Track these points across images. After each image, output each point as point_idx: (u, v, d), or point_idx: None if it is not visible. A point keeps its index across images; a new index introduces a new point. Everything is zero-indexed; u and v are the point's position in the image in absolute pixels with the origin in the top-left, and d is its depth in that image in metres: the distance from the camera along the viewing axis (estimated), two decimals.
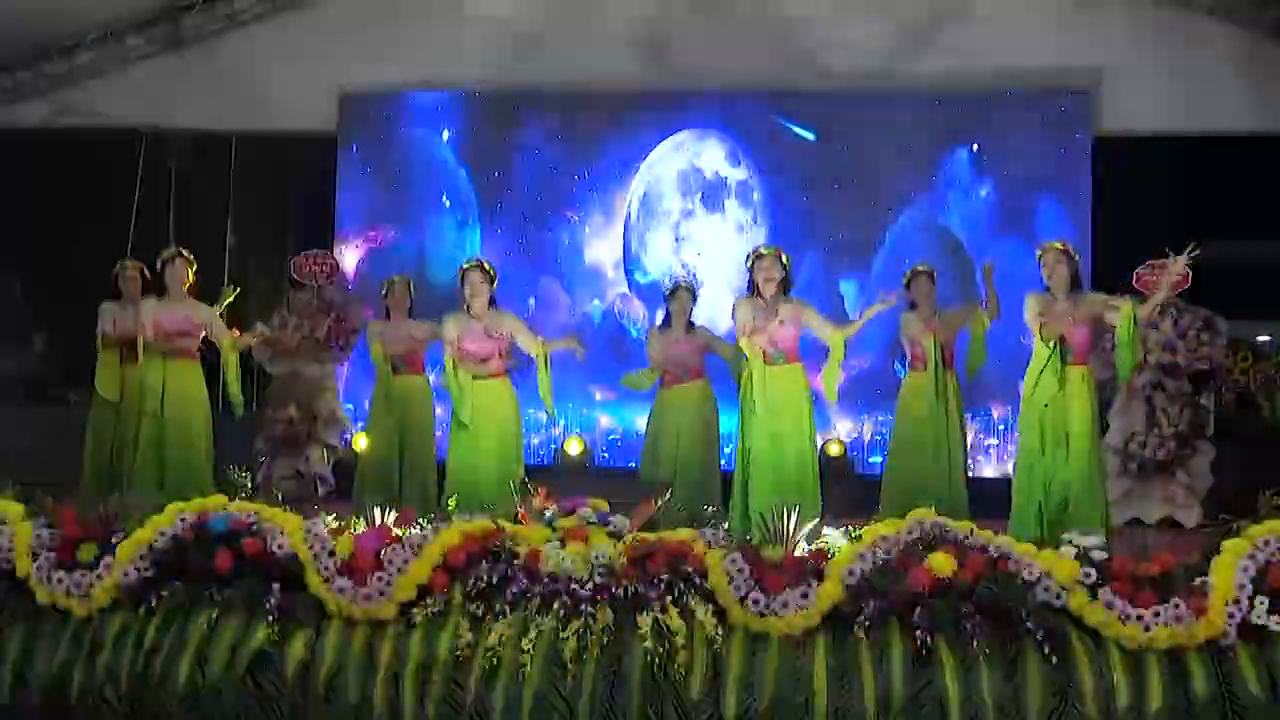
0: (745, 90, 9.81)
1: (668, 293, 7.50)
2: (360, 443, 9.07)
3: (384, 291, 7.72)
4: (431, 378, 7.79)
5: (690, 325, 7.34)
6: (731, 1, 9.74)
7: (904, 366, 7.61)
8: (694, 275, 9.89)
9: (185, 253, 7.29)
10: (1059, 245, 6.41)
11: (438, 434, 7.53)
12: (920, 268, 7.40)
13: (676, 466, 7.09)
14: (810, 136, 9.83)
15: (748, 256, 6.72)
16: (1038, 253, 6.49)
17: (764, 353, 6.41)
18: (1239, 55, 9.31)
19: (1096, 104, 9.44)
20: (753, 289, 6.59)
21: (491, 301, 6.74)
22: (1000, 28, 9.49)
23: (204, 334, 7.20)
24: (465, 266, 6.78)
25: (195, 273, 7.32)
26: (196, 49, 10.17)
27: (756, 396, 6.39)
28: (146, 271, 7.72)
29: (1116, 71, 9.41)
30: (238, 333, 7.31)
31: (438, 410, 7.60)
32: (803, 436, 6.49)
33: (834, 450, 8.92)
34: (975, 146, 9.71)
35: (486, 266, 6.76)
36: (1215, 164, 9.03)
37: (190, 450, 7.04)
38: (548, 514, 4.47)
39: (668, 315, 7.39)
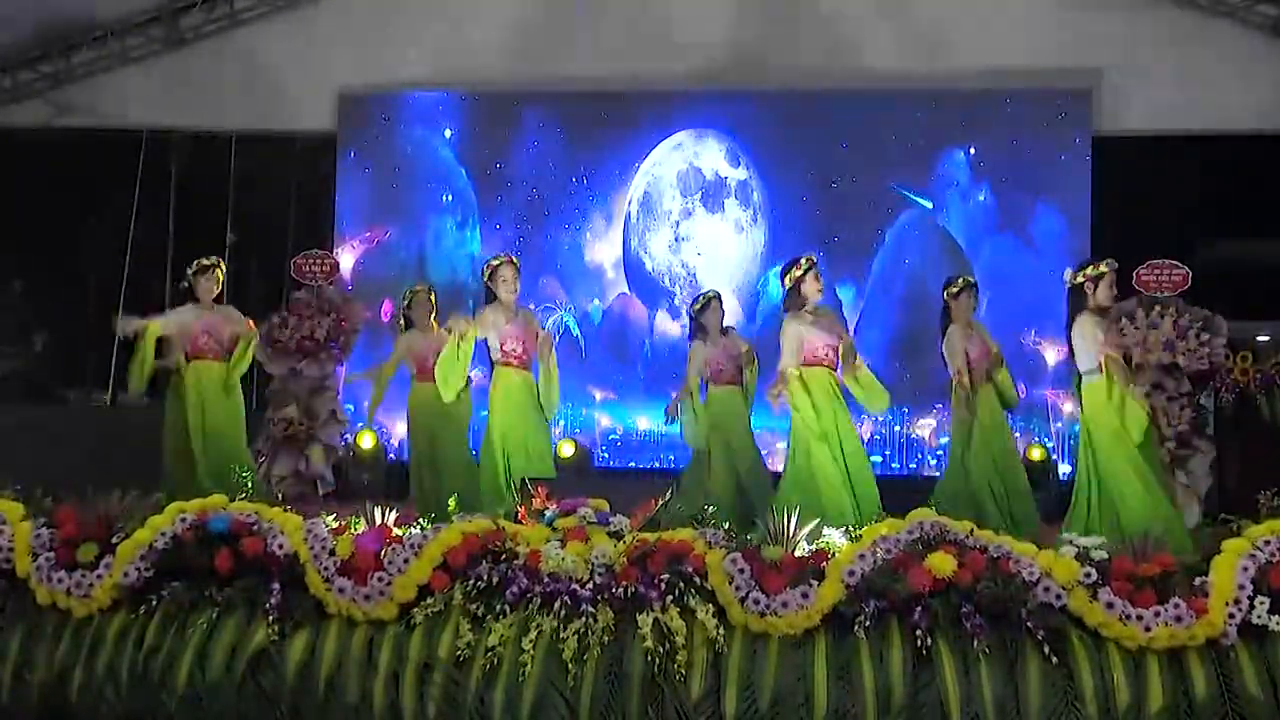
0: (745, 90, 9.82)
1: (699, 306, 7.22)
2: (364, 442, 9.10)
3: (406, 302, 7.55)
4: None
5: (724, 329, 7.23)
6: (731, 3, 9.74)
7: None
8: (694, 275, 9.92)
9: (222, 265, 7.29)
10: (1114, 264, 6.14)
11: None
12: (966, 280, 7.18)
13: (736, 467, 6.96)
14: (928, 205, 9.75)
15: (789, 266, 6.45)
16: (1100, 269, 6.07)
17: (826, 357, 6.35)
18: (1239, 55, 9.33)
19: (1096, 104, 9.45)
20: (794, 301, 6.42)
21: None
22: (1000, 28, 9.51)
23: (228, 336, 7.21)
24: (496, 262, 6.61)
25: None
26: (196, 49, 10.19)
27: (819, 402, 6.26)
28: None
29: (1116, 71, 9.42)
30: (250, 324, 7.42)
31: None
32: (854, 432, 6.46)
33: None
34: (974, 147, 9.72)
35: (516, 262, 6.66)
36: (1215, 164, 9.02)
37: (232, 439, 7.11)
38: (548, 514, 4.47)
39: (698, 326, 7.19)
